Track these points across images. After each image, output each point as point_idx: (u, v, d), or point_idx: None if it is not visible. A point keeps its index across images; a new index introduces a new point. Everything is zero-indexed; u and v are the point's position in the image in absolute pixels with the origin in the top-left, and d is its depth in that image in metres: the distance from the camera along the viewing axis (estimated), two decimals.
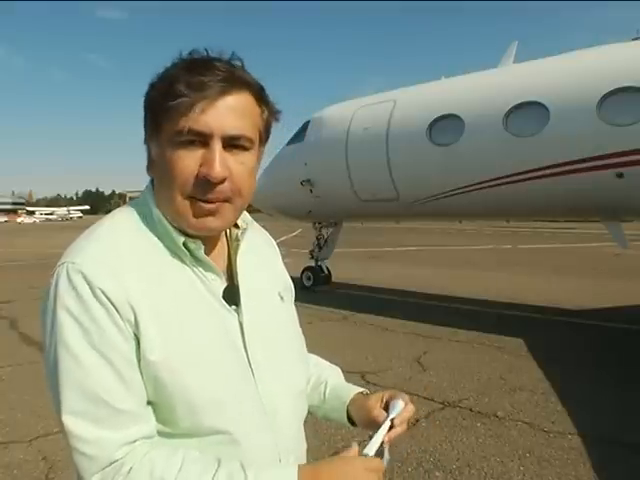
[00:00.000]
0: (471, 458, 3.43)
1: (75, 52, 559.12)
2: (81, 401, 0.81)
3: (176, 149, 0.87)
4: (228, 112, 0.87)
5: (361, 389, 1.20)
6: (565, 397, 4.42)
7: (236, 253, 1.02)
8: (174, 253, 0.93)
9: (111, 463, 0.80)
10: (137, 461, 0.81)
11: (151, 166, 0.95)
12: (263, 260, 1.11)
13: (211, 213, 0.90)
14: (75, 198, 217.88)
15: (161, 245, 0.93)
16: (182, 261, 0.93)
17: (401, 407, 1.05)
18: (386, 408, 1.07)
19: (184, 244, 0.91)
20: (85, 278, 0.82)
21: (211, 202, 0.89)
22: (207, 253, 0.94)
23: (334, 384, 1.21)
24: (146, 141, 0.95)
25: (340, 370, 1.29)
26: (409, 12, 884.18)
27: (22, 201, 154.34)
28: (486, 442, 3.67)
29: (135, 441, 0.83)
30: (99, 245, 0.88)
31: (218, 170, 0.86)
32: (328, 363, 1.30)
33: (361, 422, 1.13)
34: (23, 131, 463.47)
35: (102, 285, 0.82)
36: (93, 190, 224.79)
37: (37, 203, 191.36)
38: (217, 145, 0.87)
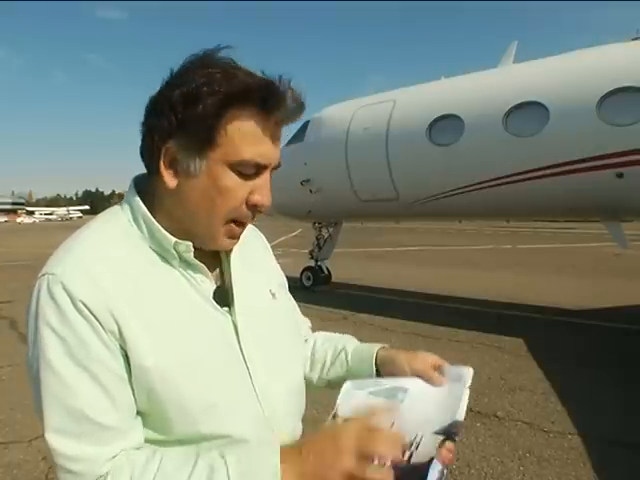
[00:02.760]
0: (471, 458, 3.43)
1: (75, 52, 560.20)
2: (65, 418, 0.78)
3: (234, 175, 0.86)
4: (279, 142, 0.91)
5: (381, 345, 1.18)
6: (565, 397, 4.42)
7: (226, 253, 1.00)
8: (161, 256, 0.90)
9: (97, 479, 0.79)
10: (117, 466, 0.79)
11: (176, 176, 0.87)
12: (253, 257, 1.10)
13: (240, 235, 0.94)
14: (75, 198, 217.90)
15: (147, 249, 0.90)
16: (170, 264, 0.91)
17: (470, 376, 1.03)
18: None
19: (174, 246, 0.89)
20: (65, 290, 0.79)
21: (245, 226, 0.93)
22: (196, 254, 0.92)
23: (353, 348, 1.20)
24: (163, 142, 0.85)
25: (353, 337, 1.28)
26: (409, 12, 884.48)
27: (22, 201, 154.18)
28: (486, 442, 3.67)
29: (120, 452, 0.82)
30: (80, 254, 0.84)
31: (270, 199, 0.90)
32: (339, 334, 1.29)
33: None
34: (23, 131, 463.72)
35: (83, 297, 0.79)
36: (93, 190, 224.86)
37: (37, 203, 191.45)
38: (269, 175, 0.91)
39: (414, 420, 0.92)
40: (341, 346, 1.22)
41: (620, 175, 6.10)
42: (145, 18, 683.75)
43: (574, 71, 6.62)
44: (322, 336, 1.27)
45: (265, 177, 0.89)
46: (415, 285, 10.67)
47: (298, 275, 10.27)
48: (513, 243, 21.65)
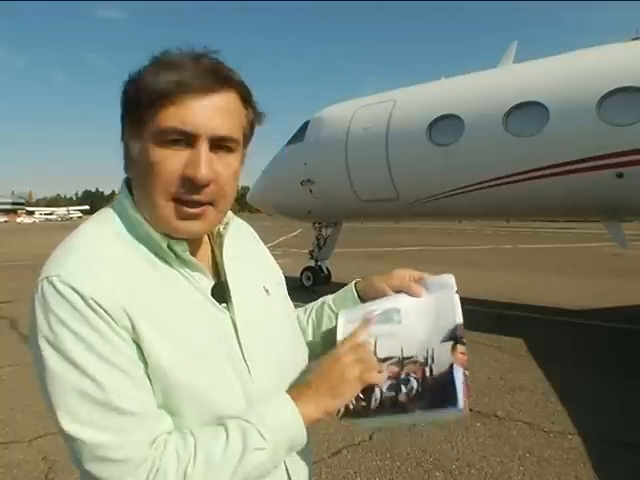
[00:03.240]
0: (471, 458, 3.43)
1: (75, 52, 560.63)
2: (104, 415, 0.78)
3: (160, 148, 0.84)
4: (215, 112, 0.85)
5: (355, 279, 1.22)
6: (565, 397, 4.42)
7: (220, 250, 1.01)
8: (158, 255, 0.90)
9: (141, 463, 0.79)
10: (162, 455, 0.80)
11: (130, 165, 0.92)
12: (247, 254, 1.10)
13: (195, 217, 0.88)
14: (75, 198, 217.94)
15: (143, 248, 0.90)
16: (167, 263, 0.91)
17: (453, 281, 1.05)
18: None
19: (169, 246, 0.90)
20: (74, 290, 0.79)
21: (196, 206, 0.87)
22: (191, 252, 0.92)
23: (332, 298, 1.23)
24: (123, 139, 0.92)
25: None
26: (409, 12, 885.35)
27: (22, 201, 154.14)
28: (486, 442, 3.67)
29: (159, 436, 0.82)
30: (79, 255, 0.85)
31: (204, 172, 0.84)
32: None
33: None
34: (23, 131, 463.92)
35: (93, 294, 0.79)
36: (93, 190, 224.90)
37: (37, 203, 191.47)
38: (204, 146, 0.85)
39: (418, 337, 0.96)
40: (320, 302, 1.25)
41: (620, 175, 6.10)
42: (145, 18, 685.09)
43: (574, 71, 6.62)
44: (301, 309, 1.29)
45: (200, 148, 0.84)
46: None
47: (298, 275, 10.27)
48: (513, 243, 21.66)
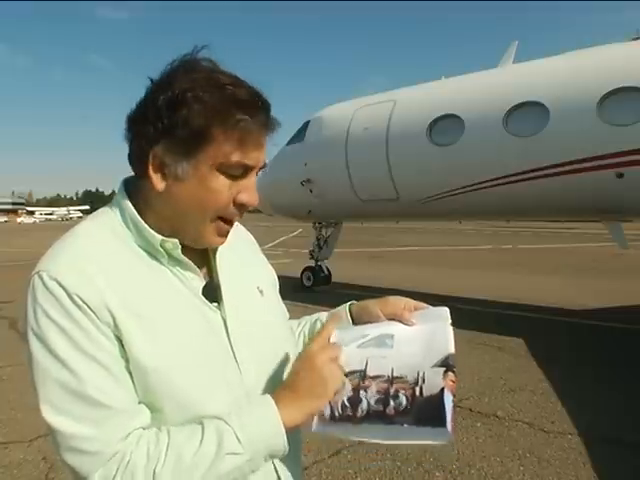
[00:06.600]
0: (471, 458, 3.44)
1: (75, 52, 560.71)
2: (79, 406, 0.81)
3: (220, 176, 0.89)
4: (265, 145, 0.93)
5: (350, 302, 1.22)
6: (565, 397, 4.42)
7: (214, 249, 1.02)
8: (150, 254, 0.93)
9: (112, 456, 0.81)
10: (133, 449, 0.81)
11: (164, 176, 0.89)
12: (241, 255, 1.12)
13: (229, 231, 0.96)
14: (75, 198, 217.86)
15: (137, 248, 0.93)
16: (159, 262, 0.93)
17: (448, 313, 1.06)
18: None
19: (161, 245, 0.91)
20: (60, 285, 0.82)
21: (232, 223, 0.96)
22: (184, 251, 0.94)
23: (326, 315, 1.25)
24: (143, 143, 0.88)
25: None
26: (409, 11, 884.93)
27: (22, 201, 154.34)
28: (486, 442, 3.67)
29: (133, 431, 0.84)
30: (72, 251, 0.88)
31: (256, 198, 0.94)
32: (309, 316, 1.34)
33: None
34: (23, 131, 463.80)
35: (78, 291, 0.82)
36: (93, 190, 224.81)
37: (37, 203, 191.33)
38: (255, 175, 0.94)
39: (409, 362, 0.96)
40: (314, 318, 1.27)
41: (620, 175, 6.10)
42: (145, 18, 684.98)
43: (574, 71, 6.62)
44: (295, 321, 1.30)
45: (252, 178, 0.93)
46: (415, 285, 10.65)
47: (298, 275, 10.28)
48: (513, 243, 21.66)
